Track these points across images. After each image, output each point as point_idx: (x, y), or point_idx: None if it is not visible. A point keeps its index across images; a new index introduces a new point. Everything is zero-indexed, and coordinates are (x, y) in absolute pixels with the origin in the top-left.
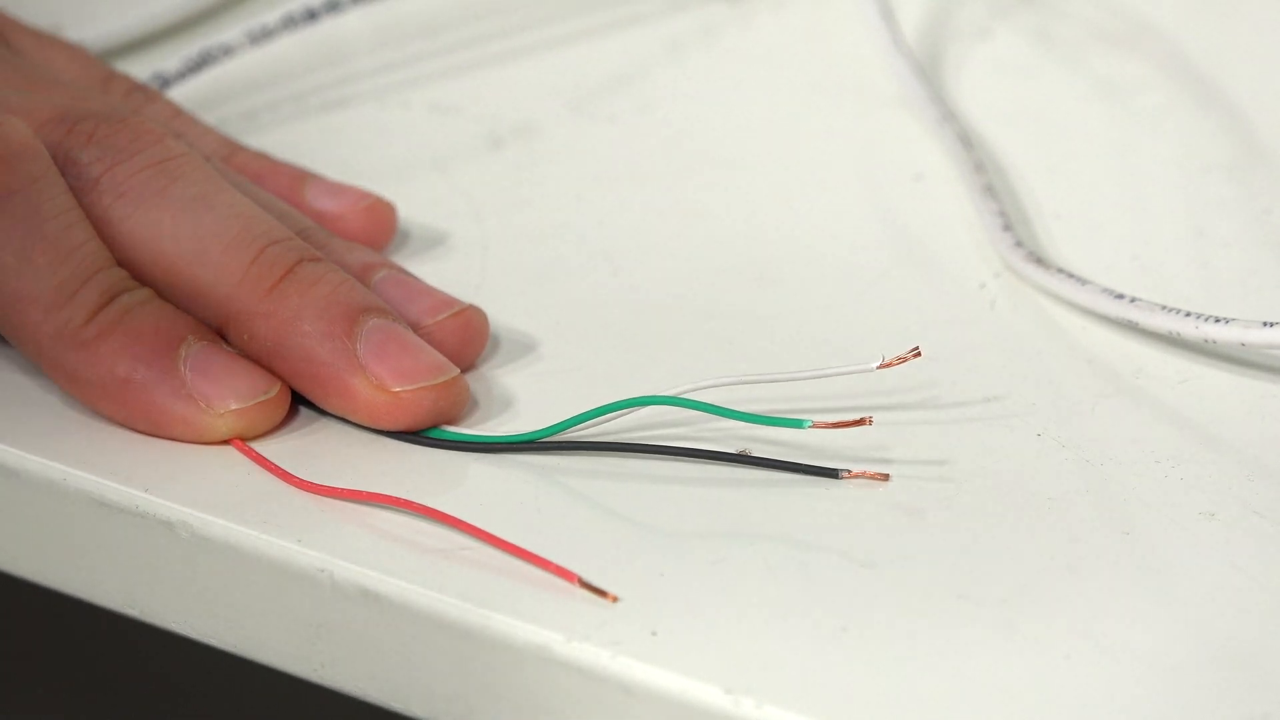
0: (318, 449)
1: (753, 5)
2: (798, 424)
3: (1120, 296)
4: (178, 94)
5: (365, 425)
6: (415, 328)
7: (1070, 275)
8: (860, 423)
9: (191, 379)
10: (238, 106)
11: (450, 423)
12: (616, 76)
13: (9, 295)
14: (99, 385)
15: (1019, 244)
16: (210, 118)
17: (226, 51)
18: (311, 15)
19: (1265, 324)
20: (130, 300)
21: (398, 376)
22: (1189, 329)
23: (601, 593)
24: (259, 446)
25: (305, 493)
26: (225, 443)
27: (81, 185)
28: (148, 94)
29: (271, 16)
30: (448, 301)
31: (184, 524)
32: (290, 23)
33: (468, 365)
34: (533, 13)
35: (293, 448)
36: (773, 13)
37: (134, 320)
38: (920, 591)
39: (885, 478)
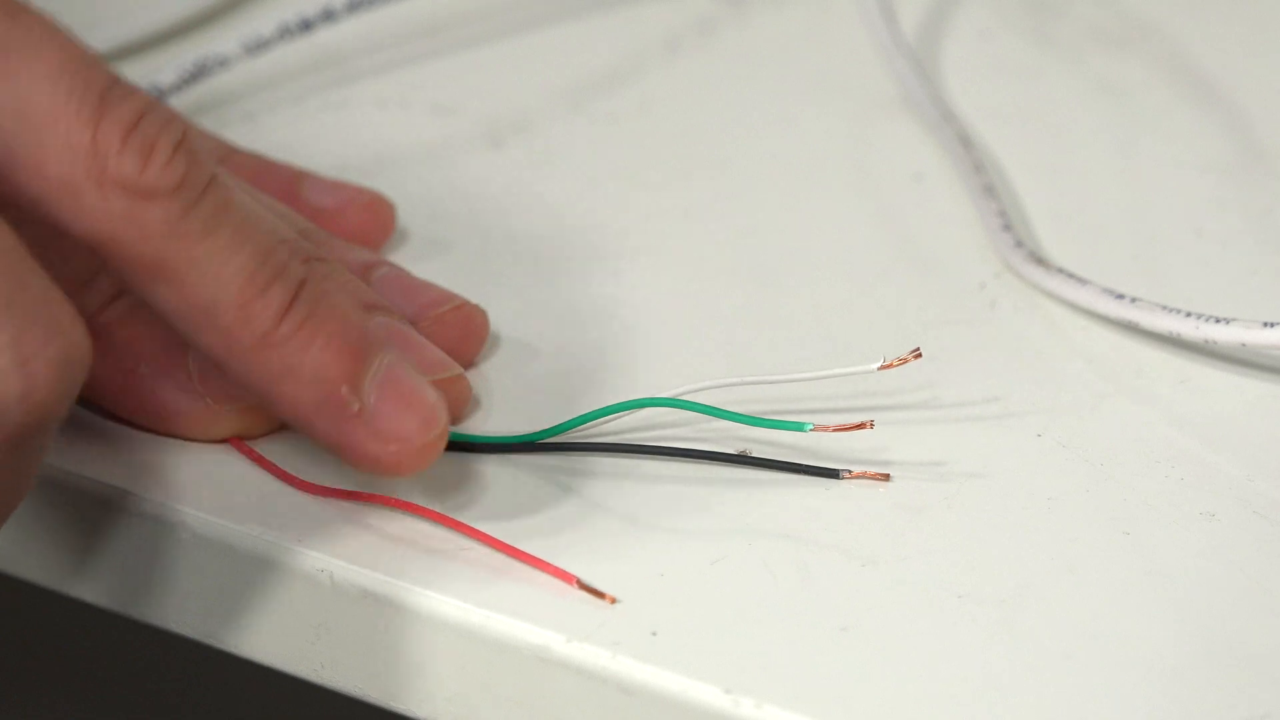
0: (318, 449)
1: (753, 4)
2: (799, 427)
3: (1120, 296)
4: (174, 105)
5: None
6: (415, 322)
7: (1070, 275)
8: (861, 426)
9: (197, 375)
10: (236, 109)
11: (452, 421)
12: (616, 76)
13: None
14: (104, 378)
15: (1019, 244)
16: (209, 120)
17: (222, 63)
18: (306, 25)
19: (1265, 324)
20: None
21: None
22: (1189, 329)
23: (599, 594)
24: (259, 446)
25: (305, 493)
26: (225, 442)
27: None
28: None
29: (267, 27)
30: (447, 296)
31: (184, 524)
32: (286, 32)
33: (468, 361)
34: (533, 13)
35: (293, 448)
36: (773, 12)
37: (142, 316)
38: (920, 591)
39: (886, 478)
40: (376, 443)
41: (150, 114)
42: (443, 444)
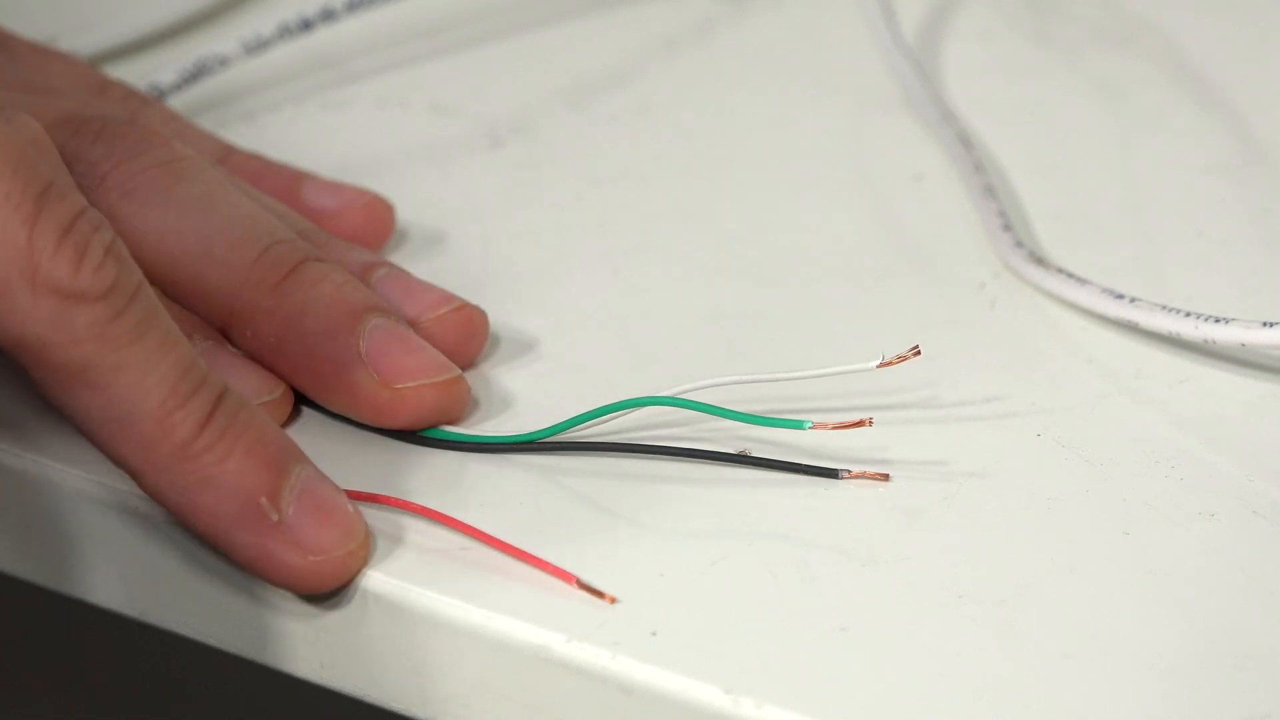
0: (318, 449)
1: (753, 4)
2: (798, 425)
3: (1120, 296)
4: (174, 104)
5: (367, 424)
6: (415, 324)
7: (1070, 275)
8: (860, 424)
9: None
10: (236, 109)
11: (451, 422)
12: (616, 76)
13: None
14: None
15: (1019, 244)
16: (208, 119)
17: (222, 62)
18: (306, 25)
19: (1265, 324)
20: None
21: (400, 373)
22: (1189, 329)
23: (599, 594)
24: None
25: None
26: None
27: (88, 183)
28: (143, 99)
29: (267, 27)
30: (447, 298)
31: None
32: (286, 32)
33: (468, 363)
34: (533, 13)
35: None
36: (773, 12)
37: None
38: (920, 591)
39: (885, 478)
40: (296, 554)
41: (85, 216)
42: (365, 555)
